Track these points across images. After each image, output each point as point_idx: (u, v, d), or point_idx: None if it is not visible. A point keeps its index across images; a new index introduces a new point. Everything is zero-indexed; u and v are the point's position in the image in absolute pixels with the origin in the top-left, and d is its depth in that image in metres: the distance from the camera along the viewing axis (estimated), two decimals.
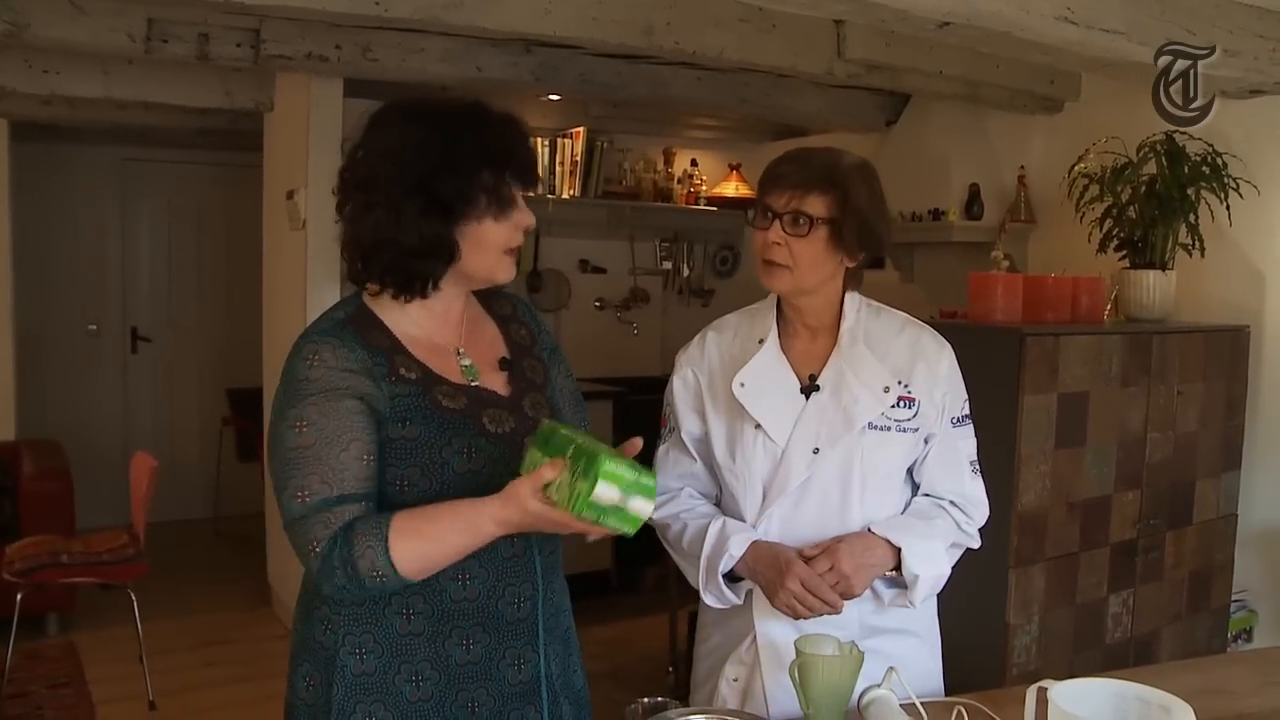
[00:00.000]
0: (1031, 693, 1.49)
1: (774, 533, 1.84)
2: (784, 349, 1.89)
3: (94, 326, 6.90)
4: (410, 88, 4.10)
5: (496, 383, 1.64)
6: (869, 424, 1.82)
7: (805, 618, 1.74)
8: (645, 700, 1.59)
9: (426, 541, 1.44)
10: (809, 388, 1.85)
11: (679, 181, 6.13)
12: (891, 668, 1.63)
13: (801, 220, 1.78)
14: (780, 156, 1.86)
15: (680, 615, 4.23)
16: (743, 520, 1.87)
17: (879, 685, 1.61)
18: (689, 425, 1.96)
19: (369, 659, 1.54)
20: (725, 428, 1.89)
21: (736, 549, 1.81)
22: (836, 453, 1.81)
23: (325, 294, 4.45)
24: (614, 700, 1.74)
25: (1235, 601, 3.74)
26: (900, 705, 1.58)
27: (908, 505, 1.91)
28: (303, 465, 1.46)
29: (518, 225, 1.58)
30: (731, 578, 1.86)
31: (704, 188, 6.16)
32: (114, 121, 5.24)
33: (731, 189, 6.13)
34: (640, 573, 5.59)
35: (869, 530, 1.80)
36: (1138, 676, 1.60)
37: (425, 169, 1.50)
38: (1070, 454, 3.01)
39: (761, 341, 1.89)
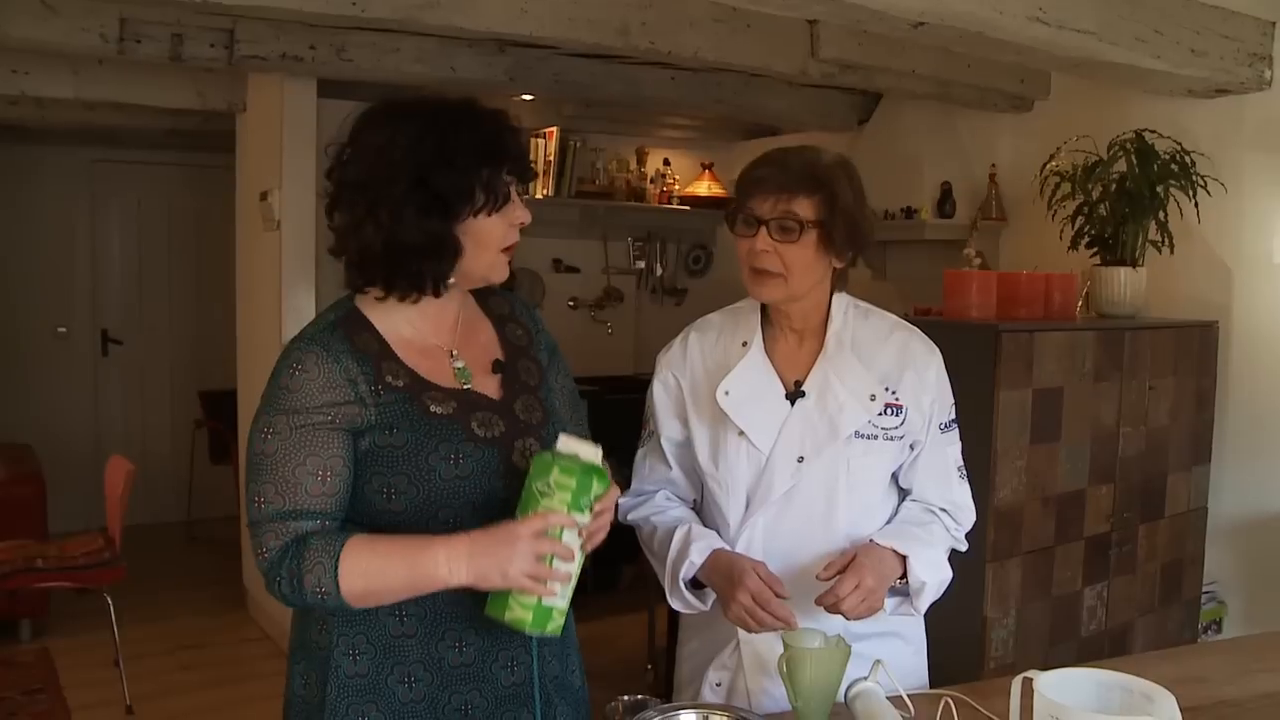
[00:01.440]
0: (1017, 683, 1.51)
1: (757, 541, 1.81)
2: (768, 352, 1.85)
3: (63, 329, 6.84)
4: (385, 88, 4.09)
5: (489, 386, 1.62)
6: (855, 432, 1.78)
7: (755, 632, 1.70)
8: (625, 698, 1.60)
9: (372, 562, 1.42)
10: (794, 394, 1.82)
11: (652, 181, 6.15)
12: (878, 660, 1.65)
13: (790, 225, 1.73)
14: (757, 160, 1.81)
15: (658, 612, 4.25)
16: (727, 526, 1.84)
17: (866, 678, 1.63)
18: (669, 430, 1.92)
19: (362, 660, 1.54)
20: (708, 433, 1.86)
21: (698, 556, 1.78)
22: (821, 461, 1.78)
23: (300, 294, 4.44)
24: (595, 700, 1.75)
25: (1205, 593, 3.79)
26: (887, 698, 1.60)
27: (895, 512, 1.89)
28: (262, 472, 1.48)
29: (513, 222, 1.57)
30: (699, 584, 1.83)
31: (677, 187, 6.18)
32: (83, 122, 5.19)
33: (704, 188, 6.15)
34: (617, 571, 5.60)
35: (873, 541, 1.76)
36: (1116, 667, 1.62)
37: (422, 166, 1.49)
38: (1045, 449, 3.04)
39: (745, 344, 1.85)
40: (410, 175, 1.48)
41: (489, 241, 1.56)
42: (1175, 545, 3.58)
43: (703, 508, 1.94)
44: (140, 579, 4.95)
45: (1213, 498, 3.75)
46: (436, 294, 1.57)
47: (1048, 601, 3.12)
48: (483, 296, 1.72)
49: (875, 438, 1.80)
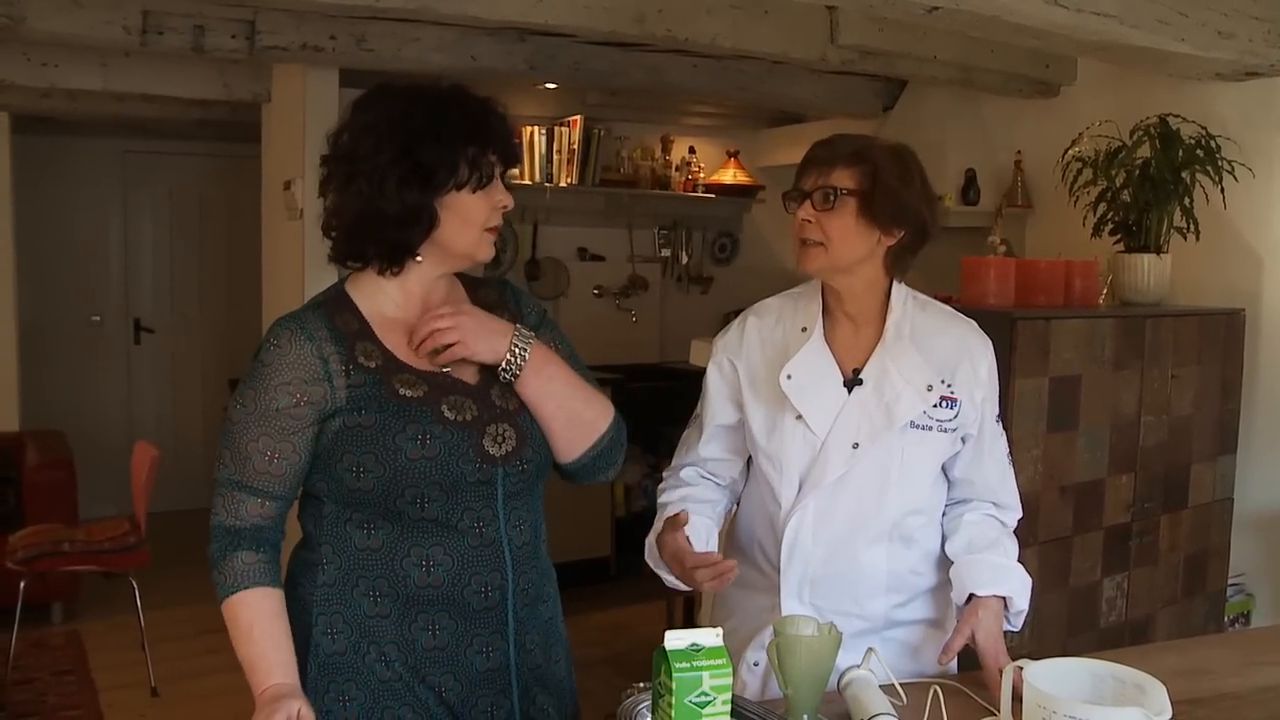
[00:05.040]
0: (1008, 672, 1.51)
1: (808, 524, 1.83)
2: (828, 340, 1.87)
3: (97, 318, 6.94)
4: (406, 78, 4.10)
5: (466, 370, 1.64)
6: (910, 422, 1.81)
7: (708, 589, 1.76)
8: (641, 685, 1.60)
9: (240, 623, 1.52)
10: (852, 381, 1.84)
11: (677, 169, 6.12)
12: (870, 649, 1.65)
13: (829, 194, 1.77)
14: (814, 143, 1.86)
15: (676, 601, 4.26)
16: (779, 508, 1.86)
17: (858, 666, 1.62)
18: (721, 416, 1.95)
19: (340, 639, 1.58)
20: (765, 416, 1.88)
21: (652, 536, 1.89)
22: (876, 449, 1.80)
23: (323, 283, 4.38)
24: (613, 685, 1.76)
25: (1232, 585, 3.74)
26: (880, 686, 1.59)
27: (957, 512, 1.92)
28: (226, 438, 1.57)
29: (496, 203, 1.60)
30: None
31: (702, 175, 6.15)
32: (114, 114, 5.27)
33: (730, 176, 6.12)
34: (639, 559, 5.60)
35: (976, 596, 1.81)
36: (1121, 657, 1.61)
37: (409, 138, 1.53)
38: (1062, 437, 3.01)
39: (805, 330, 1.88)
40: (395, 147, 1.53)
41: (472, 218, 1.59)
42: (1199, 536, 3.54)
43: (753, 490, 1.96)
44: (170, 564, 5.02)
45: (1239, 488, 3.69)
46: (402, 265, 1.59)
47: (1065, 592, 3.09)
48: (472, 286, 1.74)
49: (929, 429, 1.82)
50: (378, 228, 1.55)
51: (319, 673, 1.57)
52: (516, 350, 1.61)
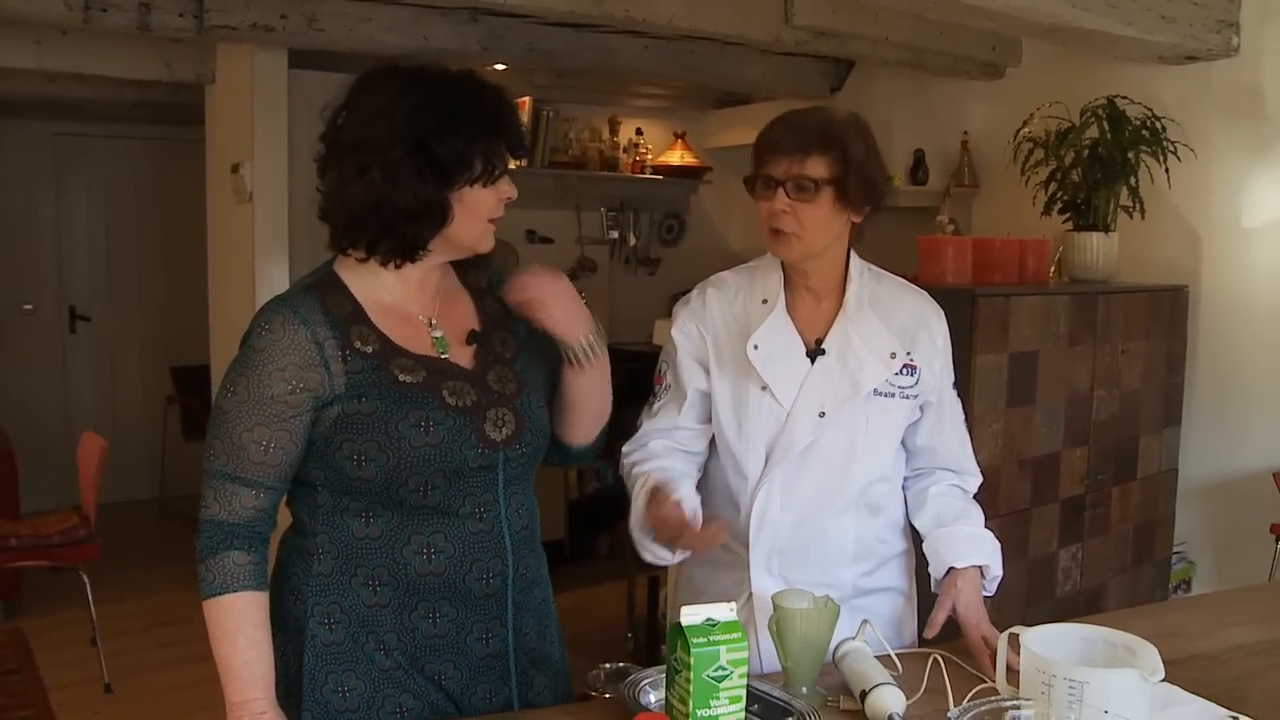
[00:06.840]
0: (1003, 639, 1.54)
1: (775, 495, 1.84)
2: (788, 311, 1.87)
3: (29, 306, 6.74)
4: (357, 58, 4.04)
5: (463, 356, 1.62)
6: (874, 390, 1.82)
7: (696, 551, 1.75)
8: (607, 666, 1.62)
9: (224, 627, 1.49)
10: (815, 351, 1.85)
11: (625, 150, 6.11)
12: (865, 620, 1.68)
13: (805, 185, 1.75)
14: (771, 123, 1.83)
15: (638, 581, 4.28)
16: (745, 480, 1.85)
17: (854, 637, 1.65)
18: (696, 380, 1.91)
19: (337, 629, 1.55)
20: (730, 388, 1.87)
21: (637, 504, 1.83)
22: (842, 417, 1.82)
23: (273, 267, 4.40)
24: (574, 668, 1.77)
25: (1175, 553, 3.86)
26: (875, 657, 1.62)
27: (920, 485, 1.95)
28: (217, 428, 1.51)
29: (502, 195, 1.58)
30: None
31: (649, 156, 6.15)
32: (45, 94, 5.10)
33: (677, 157, 6.14)
34: (594, 541, 5.63)
35: (955, 568, 1.84)
36: (1097, 623, 1.66)
37: (423, 130, 1.49)
38: (1021, 412, 3.08)
39: (766, 302, 1.87)
40: (410, 139, 1.49)
41: (479, 211, 1.56)
42: (1147, 507, 3.64)
43: (714, 468, 1.95)
44: (114, 557, 4.91)
45: (1183, 459, 3.81)
46: (414, 259, 1.57)
47: (1024, 563, 3.17)
48: (462, 269, 1.71)
49: (892, 396, 1.84)
50: (389, 221, 1.51)
51: (316, 663, 1.55)
52: (588, 344, 1.63)
